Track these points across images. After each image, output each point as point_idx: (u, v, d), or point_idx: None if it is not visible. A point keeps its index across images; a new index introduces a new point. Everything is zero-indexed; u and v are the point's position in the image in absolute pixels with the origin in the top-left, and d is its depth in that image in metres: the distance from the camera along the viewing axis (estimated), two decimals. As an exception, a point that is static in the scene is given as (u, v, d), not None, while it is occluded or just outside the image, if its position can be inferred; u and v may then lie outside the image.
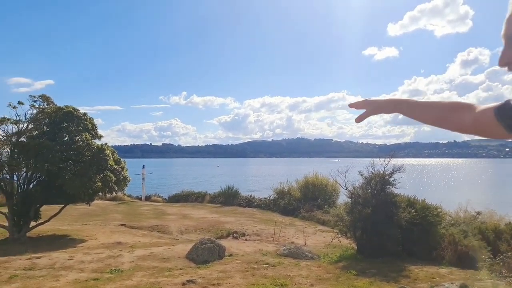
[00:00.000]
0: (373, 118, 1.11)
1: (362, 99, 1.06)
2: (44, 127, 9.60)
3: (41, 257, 6.86)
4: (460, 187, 38.12)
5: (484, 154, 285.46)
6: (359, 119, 1.06)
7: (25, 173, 9.29)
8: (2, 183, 9.15)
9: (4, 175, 9.14)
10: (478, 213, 9.49)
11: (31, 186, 9.45)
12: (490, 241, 7.57)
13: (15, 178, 9.25)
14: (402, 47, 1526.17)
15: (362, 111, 1.05)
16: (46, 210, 10.04)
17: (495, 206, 10.34)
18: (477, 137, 1.05)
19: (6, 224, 9.07)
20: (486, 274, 5.92)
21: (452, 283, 5.27)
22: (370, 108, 1.02)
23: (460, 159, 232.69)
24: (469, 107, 0.88)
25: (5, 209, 9.14)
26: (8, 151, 9.03)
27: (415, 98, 1.02)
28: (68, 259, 6.67)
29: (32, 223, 9.46)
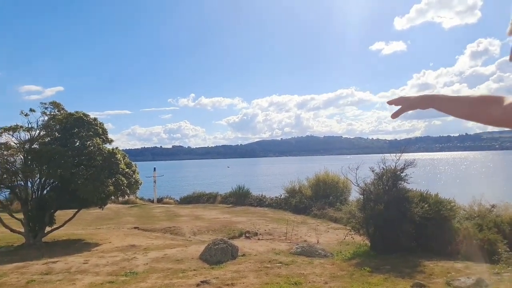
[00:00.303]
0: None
1: (398, 96, 1.12)
2: (56, 133, 9.77)
3: (57, 261, 6.98)
4: (473, 180, 37.33)
5: (497, 146, 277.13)
6: (394, 115, 1.13)
7: (38, 179, 9.45)
8: (17, 190, 9.35)
9: (18, 182, 9.34)
10: (493, 206, 9.24)
11: (45, 192, 9.61)
12: (506, 234, 7.38)
13: (29, 184, 9.43)
14: (410, 40, 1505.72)
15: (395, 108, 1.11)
16: (60, 215, 10.22)
17: (511, 198, 10.08)
18: (489, 129, 1.09)
19: (22, 230, 9.25)
20: (503, 268, 5.83)
21: (468, 277, 5.19)
22: (405, 104, 1.08)
23: (472, 152, 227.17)
24: (498, 100, 0.90)
25: (21, 216, 9.33)
26: (21, 158, 9.22)
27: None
28: (84, 263, 6.77)
29: (47, 228, 9.62)
